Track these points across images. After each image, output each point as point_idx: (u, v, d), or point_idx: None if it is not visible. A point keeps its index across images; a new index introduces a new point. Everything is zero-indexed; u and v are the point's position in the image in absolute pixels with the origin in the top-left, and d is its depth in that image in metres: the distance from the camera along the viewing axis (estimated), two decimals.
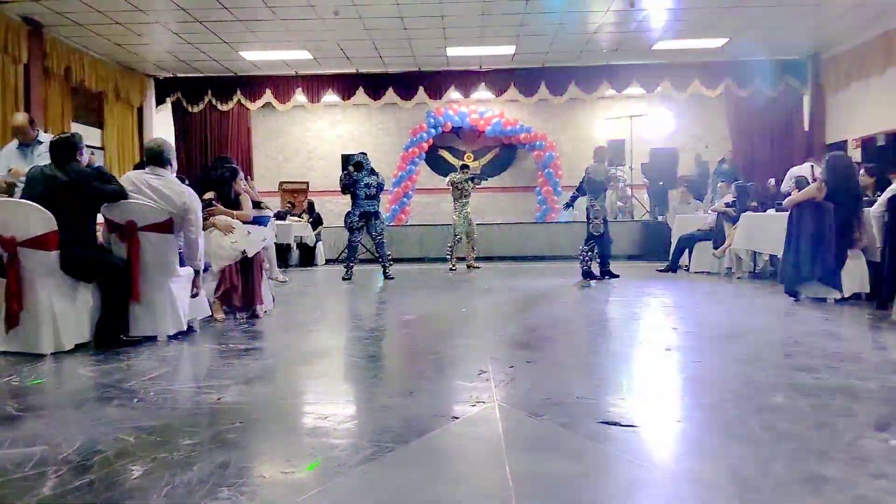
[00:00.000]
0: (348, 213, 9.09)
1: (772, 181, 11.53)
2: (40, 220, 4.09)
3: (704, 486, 1.97)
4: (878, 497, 1.86)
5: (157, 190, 4.54)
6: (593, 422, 2.56)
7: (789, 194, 6.67)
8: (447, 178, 10.40)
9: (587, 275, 8.35)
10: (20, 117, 5.91)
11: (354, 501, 1.94)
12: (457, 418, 2.65)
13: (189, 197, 4.61)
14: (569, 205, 9.29)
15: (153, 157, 4.67)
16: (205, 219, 5.40)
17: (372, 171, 8.97)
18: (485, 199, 14.26)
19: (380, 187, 9.00)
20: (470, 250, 10.34)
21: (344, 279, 8.88)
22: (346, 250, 9.44)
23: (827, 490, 1.91)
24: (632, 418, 2.61)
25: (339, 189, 9.27)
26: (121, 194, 4.42)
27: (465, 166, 10.59)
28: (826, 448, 2.23)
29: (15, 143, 5.81)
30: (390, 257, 9.23)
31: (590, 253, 8.41)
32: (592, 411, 2.71)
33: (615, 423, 2.54)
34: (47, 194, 4.20)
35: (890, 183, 5.27)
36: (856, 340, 4.27)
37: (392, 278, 8.88)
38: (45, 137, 5.76)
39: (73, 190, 4.25)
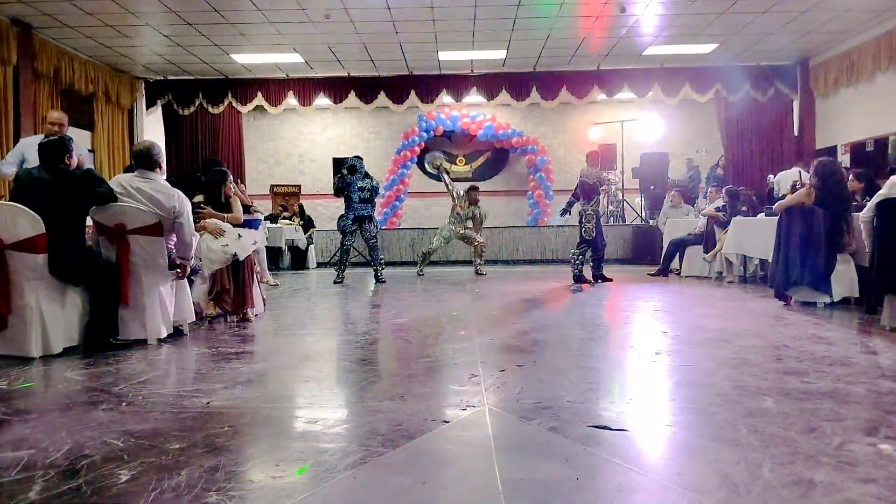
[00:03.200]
0: (342, 216, 9.10)
1: (771, 176, 11.60)
2: (28, 222, 4.07)
3: (694, 490, 1.97)
4: (866, 501, 1.87)
5: (145, 193, 4.52)
6: (583, 426, 2.57)
7: (779, 197, 6.71)
8: (455, 195, 9.84)
9: (579, 279, 8.36)
10: (57, 113, 5.89)
11: None
12: (447, 422, 2.65)
13: (179, 199, 4.60)
14: (565, 211, 9.27)
15: (141, 160, 4.64)
16: (195, 222, 5.39)
17: (366, 175, 8.98)
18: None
19: (374, 191, 9.01)
20: (478, 256, 10.01)
21: (335, 282, 8.87)
22: (338, 253, 9.44)
23: (815, 494, 1.92)
24: (622, 422, 2.62)
25: (333, 192, 9.28)
26: (110, 197, 4.40)
27: (474, 188, 9.96)
28: (815, 452, 2.24)
29: (41, 137, 5.72)
30: (383, 261, 9.22)
31: (581, 257, 8.42)
32: (582, 415, 2.71)
33: (605, 427, 2.54)
34: (36, 197, 4.18)
35: (879, 188, 5.30)
36: (845, 345, 4.29)
37: (384, 282, 8.88)
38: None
39: (61, 192, 4.24)
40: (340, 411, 3.00)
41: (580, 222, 8.43)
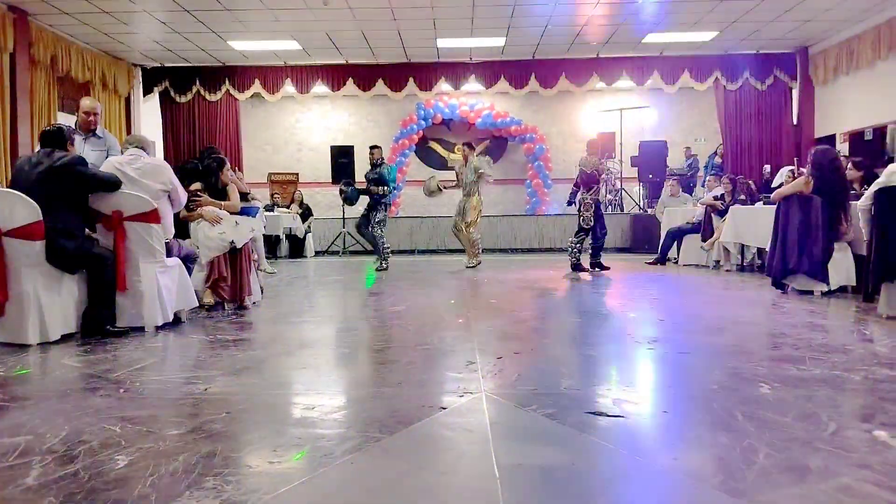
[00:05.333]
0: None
1: (767, 167, 11.61)
2: (25, 210, 4.05)
3: (689, 476, 1.98)
4: (860, 487, 1.87)
5: (138, 170, 4.61)
6: (580, 412, 2.57)
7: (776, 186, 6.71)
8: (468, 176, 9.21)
9: (576, 267, 8.36)
10: (90, 101, 5.71)
11: (341, 491, 1.94)
12: (444, 409, 2.65)
13: (165, 166, 4.79)
14: (570, 202, 9.19)
15: (136, 144, 4.83)
16: (192, 210, 5.39)
17: (379, 164, 9.16)
18: None
19: (380, 177, 9.09)
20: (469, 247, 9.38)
21: (378, 270, 8.91)
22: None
23: (811, 479, 1.93)
24: (618, 409, 2.62)
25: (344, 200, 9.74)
26: (115, 184, 4.40)
27: (468, 143, 9.67)
28: (810, 438, 2.25)
29: (73, 123, 5.63)
30: (388, 248, 9.16)
31: (579, 245, 8.40)
32: (579, 402, 2.72)
33: (602, 414, 2.55)
34: (34, 184, 4.16)
35: (877, 176, 5.29)
36: (841, 332, 4.30)
37: (383, 269, 8.85)
38: (103, 133, 5.62)
39: (59, 178, 4.21)
40: (338, 398, 3.00)
41: (578, 211, 8.42)
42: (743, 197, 8.68)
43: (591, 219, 8.28)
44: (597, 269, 8.41)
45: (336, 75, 13.11)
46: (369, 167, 9.24)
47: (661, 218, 10.36)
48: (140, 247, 4.49)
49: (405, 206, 15.02)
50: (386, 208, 9.21)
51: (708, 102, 14.24)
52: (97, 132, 5.59)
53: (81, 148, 5.35)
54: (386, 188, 9.05)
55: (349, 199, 9.56)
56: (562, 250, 12.14)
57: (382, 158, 9.36)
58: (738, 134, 13.54)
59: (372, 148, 9.38)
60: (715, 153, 13.30)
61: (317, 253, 12.51)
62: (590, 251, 8.59)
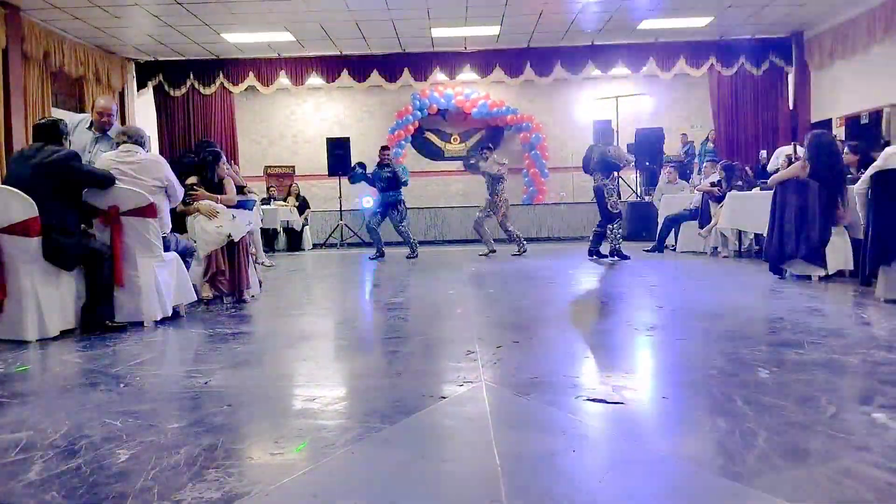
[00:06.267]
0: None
1: (763, 153, 11.60)
2: (20, 205, 4.04)
3: (689, 461, 1.99)
4: (860, 469, 1.88)
5: (133, 166, 4.57)
6: (579, 399, 2.58)
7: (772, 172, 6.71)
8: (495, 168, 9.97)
9: (615, 253, 8.34)
10: (104, 100, 5.54)
11: (342, 481, 1.95)
12: (444, 398, 2.66)
13: (162, 162, 4.73)
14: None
15: (133, 137, 4.74)
16: (188, 204, 5.38)
17: (386, 166, 9.46)
18: (471, 180, 14.21)
19: (394, 176, 9.41)
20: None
21: (371, 259, 9.40)
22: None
23: (810, 463, 1.94)
24: (618, 395, 2.63)
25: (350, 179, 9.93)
26: (109, 180, 4.37)
27: (487, 147, 10.38)
28: (809, 422, 2.26)
29: (82, 117, 5.52)
30: (414, 242, 9.70)
31: (620, 231, 8.41)
32: (578, 389, 2.72)
33: (601, 401, 2.55)
34: (28, 177, 4.14)
35: (873, 160, 5.29)
36: (839, 316, 4.31)
37: (414, 257, 9.41)
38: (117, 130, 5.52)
39: (52, 173, 4.18)
40: (338, 389, 3.01)
41: (603, 197, 8.32)
42: (740, 183, 8.67)
43: (618, 203, 8.33)
44: (595, 257, 8.41)
45: (330, 66, 13.06)
46: (376, 166, 9.60)
47: (659, 205, 10.34)
48: (137, 242, 4.48)
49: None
50: (404, 205, 9.67)
51: (703, 89, 14.21)
52: (110, 132, 5.41)
53: (93, 147, 5.32)
54: (401, 188, 9.54)
55: (353, 178, 9.75)
56: (559, 239, 12.18)
57: (391, 159, 9.79)
58: (734, 119, 13.52)
59: (382, 149, 9.86)
60: (707, 139, 13.29)
61: (314, 246, 12.51)
62: (591, 238, 8.62)
